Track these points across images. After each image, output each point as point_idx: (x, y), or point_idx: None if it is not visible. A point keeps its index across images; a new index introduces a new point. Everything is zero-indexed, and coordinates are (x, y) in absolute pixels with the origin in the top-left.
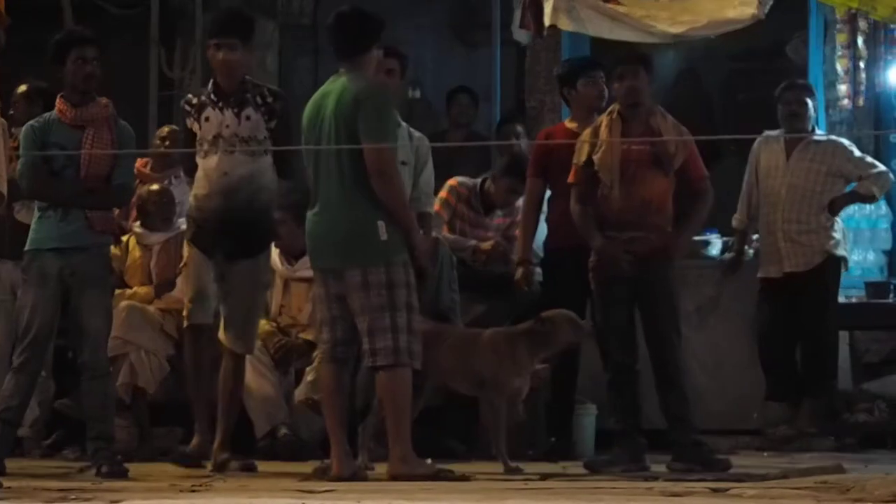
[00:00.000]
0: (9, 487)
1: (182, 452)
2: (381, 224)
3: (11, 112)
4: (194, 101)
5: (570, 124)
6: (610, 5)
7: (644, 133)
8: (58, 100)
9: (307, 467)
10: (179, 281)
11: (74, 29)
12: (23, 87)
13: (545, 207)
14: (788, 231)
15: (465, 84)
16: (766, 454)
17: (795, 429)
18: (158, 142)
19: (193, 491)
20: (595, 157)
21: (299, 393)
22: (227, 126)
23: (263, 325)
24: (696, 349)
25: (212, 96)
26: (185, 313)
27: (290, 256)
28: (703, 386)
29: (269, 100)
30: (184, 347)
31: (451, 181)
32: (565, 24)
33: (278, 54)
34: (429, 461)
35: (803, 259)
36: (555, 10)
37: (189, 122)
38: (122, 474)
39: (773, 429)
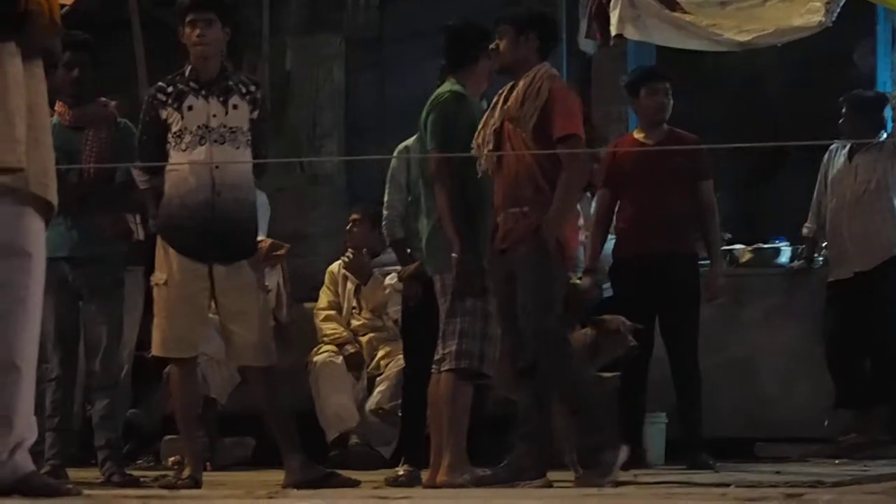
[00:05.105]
0: (89, 495)
1: (169, 483)
2: None
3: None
4: (169, 89)
5: (637, 134)
6: (676, 14)
7: None
8: (57, 103)
9: (379, 476)
10: None
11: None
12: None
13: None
14: (854, 231)
15: None
16: (837, 462)
17: (866, 436)
18: None
19: (270, 497)
20: None
21: (371, 403)
22: (215, 116)
23: (338, 329)
24: (766, 357)
25: (192, 84)
26: (159, 346)
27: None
28: (774, 394)
29: (252, 88)
30: (171, 387)
31: None
32: (631, 34)
33: (344, 68)
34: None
35: (869, 258)
36: (621, 19)
37: (164, 112)
38: (133, 484)
39: (843, 436)
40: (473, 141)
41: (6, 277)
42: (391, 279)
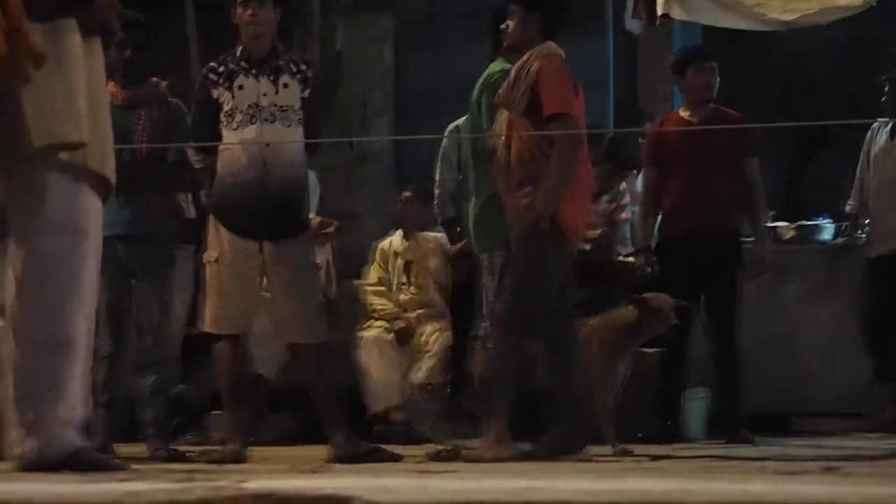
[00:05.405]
0: (136, 470)
1: (215, 458)
2: None
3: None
4: (221, 69)
5: (683, 113)
6: None
7: None
8: (109, 83)
9: (421, 451)
10: None
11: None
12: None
13: None
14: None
15: (576, 74)
16: (873, 436)
17: None
18: None
19: (315, 472)
20: None
21: (418, 378)
22: (265, 94)
23: (388, 304)
24: (806, 333)
25: (243, 63)
26: (211, 323)
27: (412, 234)
28: (813, 370)
29: (303, 67)
30: (217, 362)
31: None
32: (678, 13)
33: (394, 48)
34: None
35: None
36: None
37: (216, 92)
38: (179, 459)
39: (880, 411)
40: (493, 127)
41: (62, 254)
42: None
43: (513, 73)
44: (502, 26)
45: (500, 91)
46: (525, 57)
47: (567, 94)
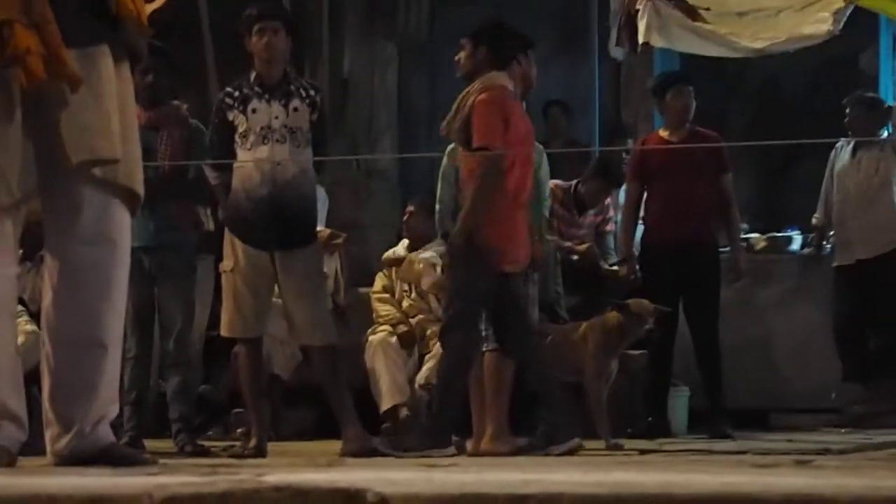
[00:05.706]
0: (164, 464)
1: (237, 453)
2: None
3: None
4: (236, 93)
5: (663, 133)
6: (697, 23)
7: None
8: None
9: None
10: None
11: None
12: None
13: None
14: (858, 221)
15: (566, 97)
16: (843, 431)
17: (870, 407)
18: None
19: (330, 466)
20: None
21: (420, 378)
22: (277, 117)
23: (392, 310)
24: (780, 335)
25: (256, 88)
26: (227, 327)
27: (416, 245)
28: (787, 369)
29: (311, 92)
30: (238, 364)
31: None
32: (657, 41)
33: (397, 71)
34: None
35: (873, 247)
36: (648, 28)
37: (231, 114)
38: (204, 454)
39: (850, 407)
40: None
41: (94, 262)
42: (424, 254)
43: (455, 104)
44: (456, 58)
45: (445, 120)
46: (467, 89)
47: (493, 128)
